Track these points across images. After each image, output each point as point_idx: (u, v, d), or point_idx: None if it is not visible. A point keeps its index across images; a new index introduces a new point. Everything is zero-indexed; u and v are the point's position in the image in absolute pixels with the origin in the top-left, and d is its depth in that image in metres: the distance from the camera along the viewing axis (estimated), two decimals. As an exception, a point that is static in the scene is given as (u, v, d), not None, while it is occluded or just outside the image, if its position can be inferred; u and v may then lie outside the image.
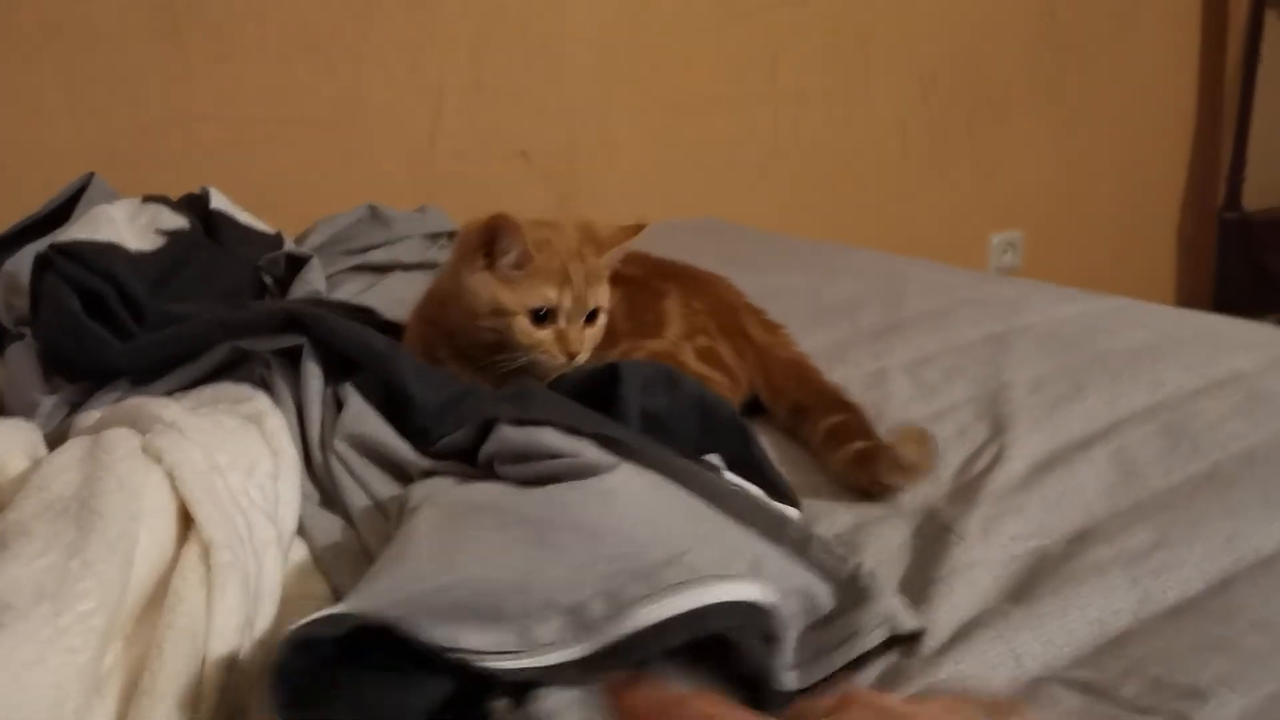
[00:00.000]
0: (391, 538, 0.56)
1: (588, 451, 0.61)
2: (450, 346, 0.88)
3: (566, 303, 0.83)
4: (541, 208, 2.21)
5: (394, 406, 0.76)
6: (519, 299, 0.83)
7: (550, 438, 0.63)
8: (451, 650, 0.45)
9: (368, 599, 0.48)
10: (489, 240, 0.82)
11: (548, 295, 0.83)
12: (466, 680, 0.46)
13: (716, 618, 0.47)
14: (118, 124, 1.83)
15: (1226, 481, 0.73)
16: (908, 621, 0.57)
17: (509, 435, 0.64)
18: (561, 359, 0.83)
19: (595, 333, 0.87)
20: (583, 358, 0.85)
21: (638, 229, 0.89)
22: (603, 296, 0.87)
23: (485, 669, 0.45)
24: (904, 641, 0.57)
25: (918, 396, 0.93)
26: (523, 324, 0.83)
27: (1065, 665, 0.55)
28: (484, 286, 0.83)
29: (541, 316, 0.83)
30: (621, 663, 0.46)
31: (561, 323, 0.84)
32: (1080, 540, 0.67)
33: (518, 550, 0.52)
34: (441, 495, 0.58)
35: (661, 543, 0.51)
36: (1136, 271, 2.96)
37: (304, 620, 0.44)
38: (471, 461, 0.69)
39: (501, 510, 0.55)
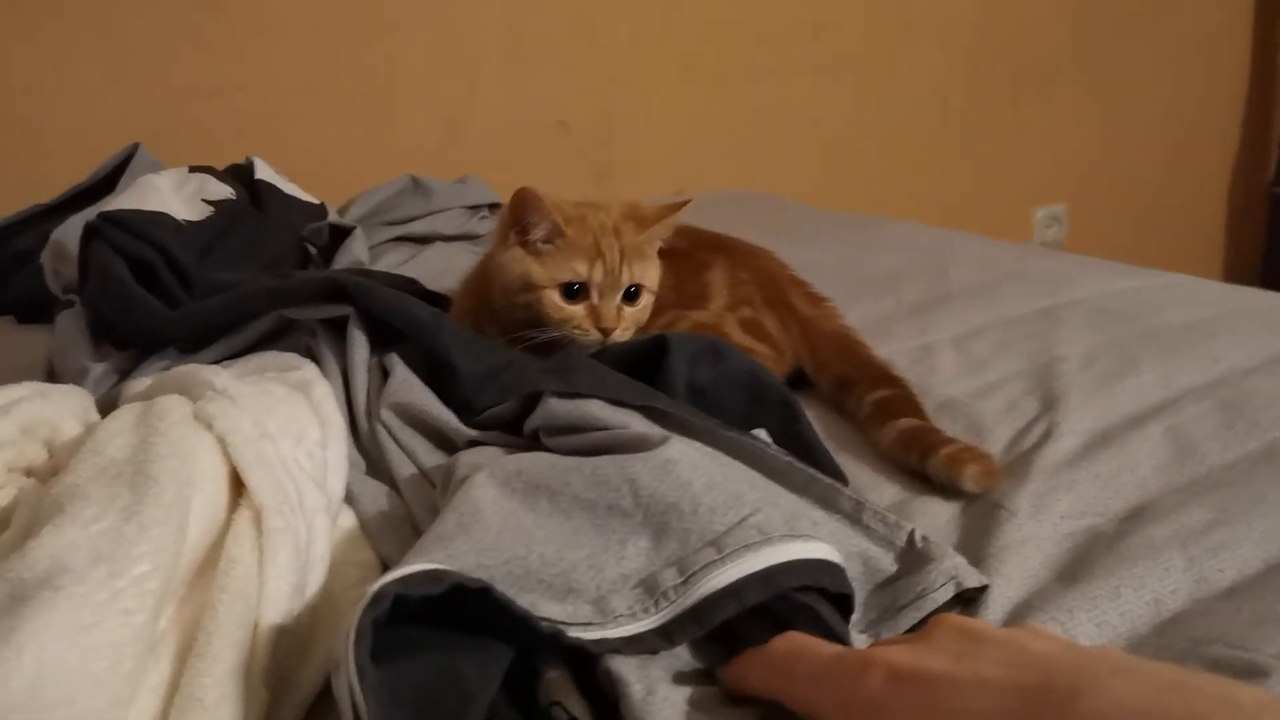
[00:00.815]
0: (449, 504, 0.55)
1: (636, 423, 0.61)
2: (495, 323, 0.88)
3: (598, 277, 0.83)
4: (578, 179, 2.21)
5: (437, 376, 0.76)
6: (548, 273, 0.83)
7: (598, 409, 0.63)
8: (541, 619, 0.45)
9: (452, 561, 0.48)
10: (518, 215, 0.83)
11: (577, 269, 0.82)
12: (528, 650, 0.46)
13: (788, 575, 0.48)
14: (156, 94, 1.84)
15: (1286, 459, 0.71)
16: (972, 577, 0.56)
17: (556, 408, 0.64)
18: (595, 335, 0.83)
19: (637, 311, 0.86)
20: (620, 335, 0.84)
21: (681, 205, 0.88)
22: (645, 274, 0.86)
23: (575, 639, 0.46)
24: (965, 604, 0.56)
25: (965, 371, 0.91)
26: (553, 298, 0.83)
27: (1121, 647, 0.54)
28: (516, 261, 0.84)
29: (574, 292, 0.83)
30: (700, 627, 0.47)
31: (594, 298, 0.83)
32: (1134, 519, 0.65)
33: (587, 524, 0.52)
34: (498, 465, 0.58)
35: (726, 508, 0.51)
36: (1183, 246, 2.90)
37: (399, 574, 0.43)
38: (515, 432, 0.69)
39: (566, 483, 0.55)
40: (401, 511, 0.67)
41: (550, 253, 0.83)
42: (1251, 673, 0.49)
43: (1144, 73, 2.71)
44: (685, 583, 0.48)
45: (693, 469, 0.54)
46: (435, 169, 1.64)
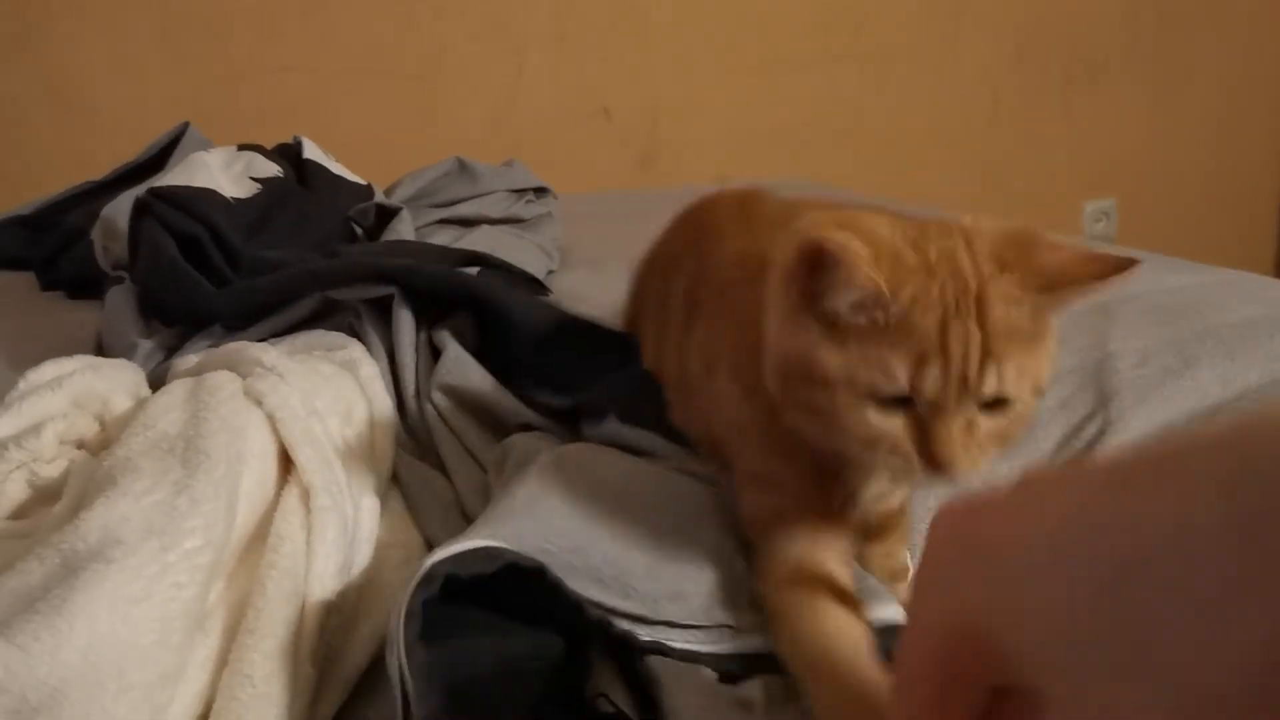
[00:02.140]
0: (511, 484, 0.55)
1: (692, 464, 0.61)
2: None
3: (930, 387, 0.45)
4: (621, 166, 2.20)
5: (491, 338, 0.76)
6: (848, 367, 0.47)
7: (656, 443, 0.63)
8: (595, 603, 0.45)
9: (514, 540, 0.47)
10: (809, 275, 0.47)
11: (895, 373, 0.45)
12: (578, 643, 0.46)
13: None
14: (207, 74, 1.86)
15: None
16: None
17: (620, 432, 0.64)
18: (922, 471, 0.47)
19: (1001, 427, 0.48)
20: (970, 469, 0.47)
21: (1129, 266, 0.47)
22: (1022, 374, 0.47)
23: (624, 631, 0.46)
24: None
25: (1016, 365, 0.90)
26: (854, 407, 0.47)
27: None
28: (794, 335, 0.49)
29: (891, 400, 0.47)
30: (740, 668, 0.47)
31: (923, 412, 0.46)
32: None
33: (649, 533, 0.51)
34: (564, 454, 0.58)
35: None
36: (1236, 242, 2.84)
37: (452, 551, 0.43)
38: (571, 425, 0.69)
39: (630, 492, 0.54)
40: (449, 494, 0.67)
41: (859, 332, 0.46)
42: None
43: (1195, 64, 2.65)
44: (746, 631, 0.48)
45: None
46: (480, 153, 1.64)
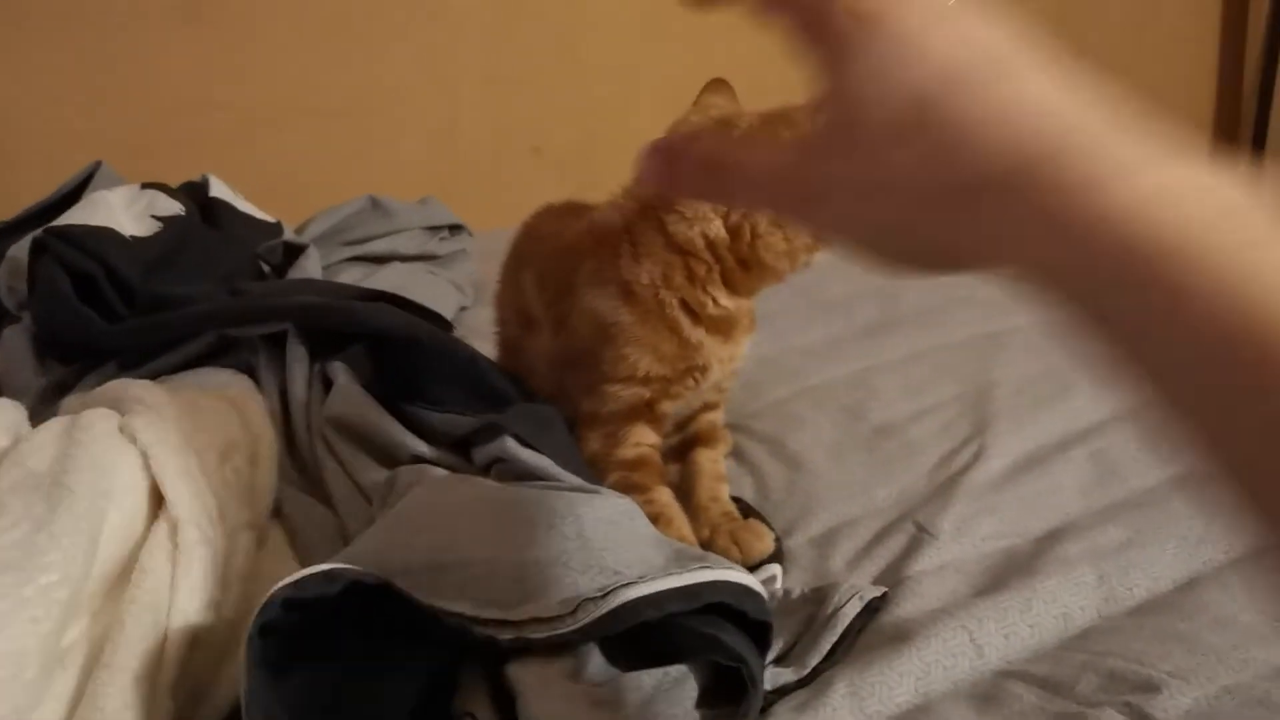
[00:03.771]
0: (383, 515, 0.56)
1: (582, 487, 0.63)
2: None
3: None
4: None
5: (387, 368, 0.77)
6: None
7: (552, 468, 0.65)
8: (451, 613, 0.46)
9: (367, 561, 0.49)
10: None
11: None
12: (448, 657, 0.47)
13: (712, 591, 0.50)
14: (134, 109, 1.84)
15: (1203, 483, 0.73)
16: (871, 591, 0.60)
17: (518, 452, 0.66)
18: None
19: None
20: None
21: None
22: None
23: (485, 636, 0.47)
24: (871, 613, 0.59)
25: (905, 394, 0.93)
26: None
27: (1026, 659, 0.55)
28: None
29: None
30: (618, 624, 0.49)
31: None
32: (1051, 538, 0.66)
33: (518, 544, 0.53)
34: (436, 481, 0.59)
35: (650, 561, 0.53)
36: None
37: (295, 576, 0.44)
38: (463, 452, 0.70)
39: (502, 503, 0.56)
40: (334, 527, 0.68)
41: None
42: (1146, 687, 0.50)
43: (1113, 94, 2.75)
44: (606, 597, 0.49)
45: (631, 525, 0.56)
46: (414, 190, 1.64)
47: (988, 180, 0.27)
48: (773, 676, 0.53)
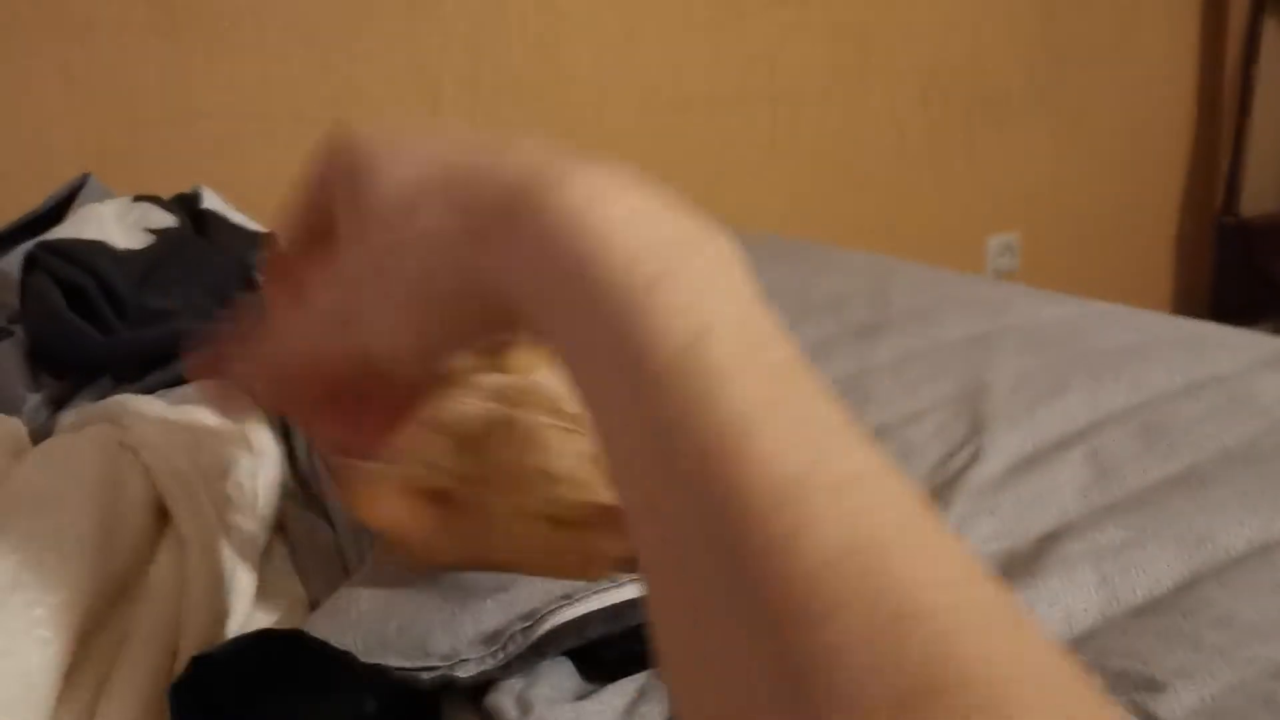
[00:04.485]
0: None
1: None
2: None
3: None
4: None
5: None
6: None
7: None
8: (395, 669, 0.47)
9: (323, 627, 0.50)
10: None
11: None
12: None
13: (632, 613, 0.50)
14: (115, 121, 1.84)
15: (1202, 481, 0.73)
16: None
17: None
18: None
19: None
20: None
21: None
22: None
23: (405, 674, 0.48)
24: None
25: (899, 394, 0.93)
26: None
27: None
28: None
29: None
30: (540, 657, 0.50)
31: None
32: (1051, 539, 0.67)
33: (443, 592, 0.53)
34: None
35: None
36: (1134, 276, 2.96)
37: (212, 648, 0.47)
38: None
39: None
40: (332, 543, 0.68)
41: None
42: (1149, 686, 0.51)
43: (1095, 107, 2.77)
44: (531, 627, 0.50)
45: None
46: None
47: (493, 211, 0.29)
48: None
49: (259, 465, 0.68)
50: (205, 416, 0.70)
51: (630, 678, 0.52)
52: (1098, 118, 2.79)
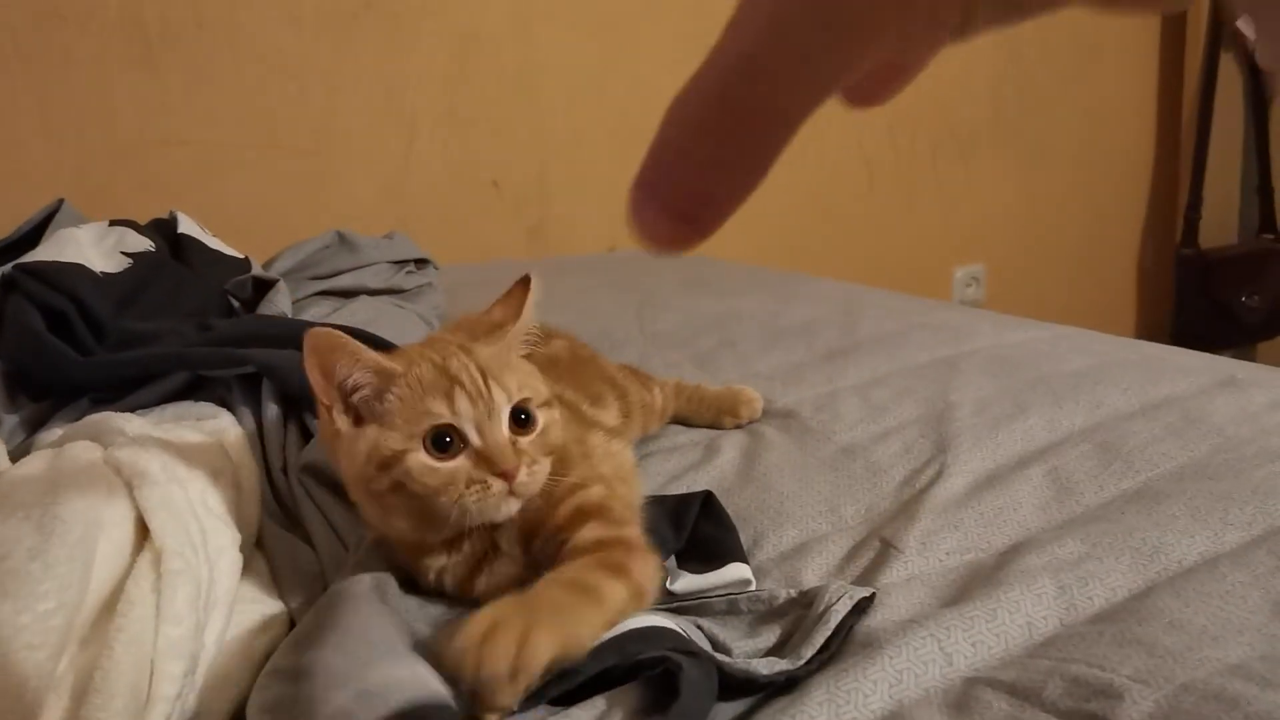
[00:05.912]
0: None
1: None
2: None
3: (466, 409, 0.59)
4: (513, 238, 2.24)
5: None
6: (401, 432, 0.59)
7: None
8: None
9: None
10: (326, 370, 0.59)
11: (434, 409, 0.59)
12: None
13: (635, 642, 0.54)
14: (92, 149, 1.84)
15: (1156, 497, 0.76)
16: (860, 591, 0.62)
17: None
18: (497, 487, 0.59)
19: (538, 438, 0.63)
20: (528, 477, 0.60)
21: (525, 285, 0.69)
22: (524, 384, 0.63)
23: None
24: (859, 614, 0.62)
25: (867, 416, 0.96)
26: (420, 462, 0.58)
27: (994, 666, 0.57)
28: (352, 440, 0.60)
29: (445, 445, 0.59)
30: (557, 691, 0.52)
31: (474, 439, 0.59)
32: (1013, 552, 0.69)
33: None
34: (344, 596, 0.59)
35: None
36: (1097, 306, 3.02)
37: None
38: None
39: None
40: (314, 566, 0.69)
41: (391, 409, 0.59)
42: (1107, 692, 0.53)
43: (1058, 142, 2.85)
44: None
45: None
46: (371, 225, 1.66)
47: None
48: (768, 664, 0.55)
49: (241, 477, 0.69)
50: (186, 433, 0.71)
51: (600, 694, 0.54)
52: (1061, 153, 2.87)
